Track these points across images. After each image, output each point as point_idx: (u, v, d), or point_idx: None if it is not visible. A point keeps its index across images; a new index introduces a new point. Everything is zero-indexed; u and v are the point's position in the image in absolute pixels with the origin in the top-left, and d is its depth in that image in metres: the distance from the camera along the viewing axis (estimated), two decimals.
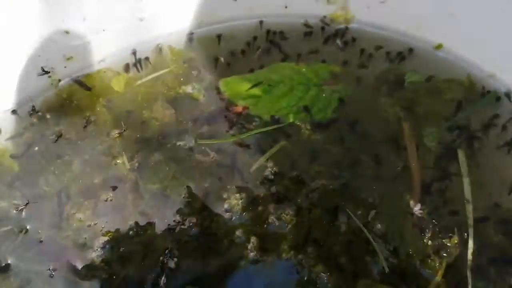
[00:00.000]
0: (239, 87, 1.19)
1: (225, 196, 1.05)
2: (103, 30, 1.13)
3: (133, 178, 1.07)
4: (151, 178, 1.07)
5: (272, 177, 1.08)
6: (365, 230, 0.99)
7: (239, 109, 1.16)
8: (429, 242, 0.98)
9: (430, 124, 1.15)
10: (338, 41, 1.28)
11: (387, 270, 0.95)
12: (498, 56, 1.15)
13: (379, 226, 1.01)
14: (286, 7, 1.30)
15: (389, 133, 1.14)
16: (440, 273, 0.95)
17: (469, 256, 0.96)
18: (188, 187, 1.06)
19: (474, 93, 1.19)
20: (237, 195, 1.05)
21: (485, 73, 1.20)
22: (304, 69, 1.23)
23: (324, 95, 1.19)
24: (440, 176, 1.08)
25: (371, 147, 1.12)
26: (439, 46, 1.24)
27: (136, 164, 1.09)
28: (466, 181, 1.05)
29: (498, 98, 1.17)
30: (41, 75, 1.10)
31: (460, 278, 0.94)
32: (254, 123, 1.15)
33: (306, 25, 1.30)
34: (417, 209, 1.03)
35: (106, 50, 1.18)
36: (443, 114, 1.16)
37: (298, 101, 1.18)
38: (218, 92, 1.19)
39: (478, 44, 1.17)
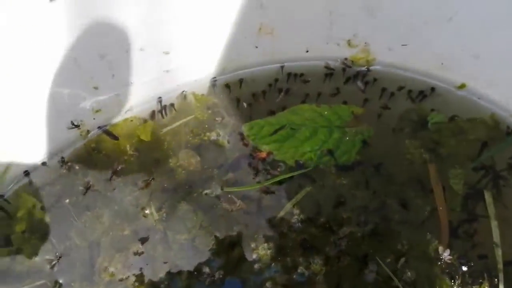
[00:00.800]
0: (262, 131, 1.19)
1: (253, 245, 1.05)
2: (131, 83, 1.15)
3: (161, 229, 1.07)
4: (179, 228, 1.08)
5: (299, 224, 1.08)
6: (395, 279, 0.98)
7: (263, 154, 1.16)
8: None
9: (456, 166, 1.14)
10: (359, 83, 1.28)
11: None
12: None
13: (408, 274, 1.01)
14: (307, 51, 1.29)
15: (414, 175, 1.13)
16: None
17: None
18: (216, 237, 1.06)
19: (499, 132, 1.18)
20: (265, 244, 1.05)
21: (509, 112, 1.19)
22: (326, 112, 1.22)
23: (347, 137, 1.18)
24: (467, 219, 1.07)
25: (397, 190, 1.11)
26: (462, 86, 1.23)
27: (164, 215, 1.10)
28: (494, 224, 1.04)
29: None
30: (70, 128, 1.13)
31: None
32: (279, 169, 1.15)
33: (327, 67, 1.29)
34: (446, 254, 1.02)
35: (132, 101, 1.20)
36: (468, 155, 1.15)
37: (322, 145, 1.17)
38: (242, 138, 1.20)
39: (502, 83, 1.16)
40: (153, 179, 1.13)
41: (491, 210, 1.06)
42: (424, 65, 1.25)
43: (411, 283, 0.99)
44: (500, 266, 0.99)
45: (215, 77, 1.29)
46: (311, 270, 1.02)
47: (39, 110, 1.05)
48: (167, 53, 1.15)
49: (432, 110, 1.21)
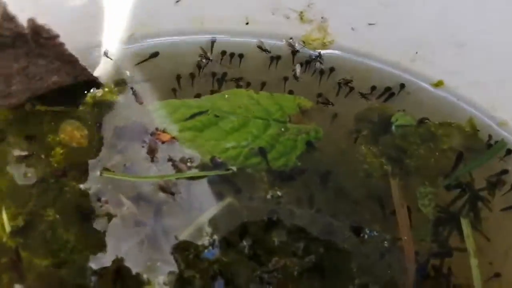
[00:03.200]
0: (176, 114, 0.95)
1: (144, 277, 0.75)
2: None
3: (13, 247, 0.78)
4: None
5: (213, 249, 0.82)
6: None
7: (165, 137, 0.92)
8: None
9: (425, 182, 0.95)
10: (313, 70, 1.08)
11: None
12: None
13: None
14: (247, 23, 1.07)
15: (372, 192, 0.93)
16: None
17: None
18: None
19: (478, 142, 1.02)
20: (161, 277, 0.77)
21: (494, 119, 1.04)
22: (264, 100, 1.00)
23: (287, 136, 0.96)
24: (439, 252, 0.89)
25: (349, 210, 0.91)
26: (439, 83, 1.07)
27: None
28: (474, 263, 0.86)
29: (509, 151, 1.00)
30: None
31: None
32: (189, 163, 0.91)
33: (261, 48, 1.08)
34: None
35: None
36: (440, 169, 0.98)
37: (253, 141, 0.94)
38: None
39: (490, 81, 1.02)
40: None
41: (470, 244, 0.88)
42: (394, 54, 1.08)
43: None
44: None
45: (125, 46, 1.05)
46: None
47: None
48: None
49: (399, 110, 1.04)
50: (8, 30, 0.75)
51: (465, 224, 0.90)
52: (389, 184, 0.93)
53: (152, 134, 0.93)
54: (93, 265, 0.79)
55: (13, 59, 0.80)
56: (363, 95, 1.04)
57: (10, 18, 0.74)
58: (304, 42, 1.08)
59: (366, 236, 0.87)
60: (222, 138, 0.93)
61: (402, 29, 1.03)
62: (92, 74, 0.93)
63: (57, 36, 0.79)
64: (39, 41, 0.79)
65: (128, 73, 1.01)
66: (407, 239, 0.86)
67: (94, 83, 0.95)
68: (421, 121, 1.02)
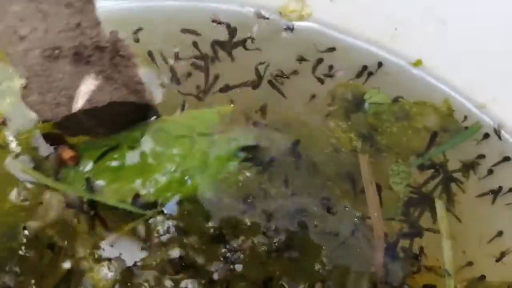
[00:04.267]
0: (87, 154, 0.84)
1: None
2: None
3: None
4: None
5: (174, 230, 0.79)
6: None
7: (68, 154, 0.82)
8: None
9: (398, 161, 0.95)
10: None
11: None
12: (494, 82, 0.99)
13: None
14: None
15: (342, 168, 0.92)
16: None
17: None
18: None
19: (453, 122, 1.01)
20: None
21: (473, 101, 1.03)
22: (184, 119, 0.92)
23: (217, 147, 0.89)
24: (409, 232, 0.88)
25: (320, 186, 0.89)
26: (417, 63, 1.06)
27: None
28: (446, 244, 0.86)
29: (486, 135, 1.00)
30: None
31: None
32: None
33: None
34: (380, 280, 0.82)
35: None
36: (413, 148, 0.96)
37: (182, 162, 0.86)
38: None
39: (470, 60, 1.01)
40: None
41: (443, 225, 0.87)
42: (373, 30, 1.06)
43: None
44: None
45: None
46: None
47: None
48: None
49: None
50: (89, 39, 0.71)
51: (439, 205, 0.89)
52: (359, 161, 0.92)
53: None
54: None
55: (81, 78, 0.74)
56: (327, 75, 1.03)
57: (96, 24, 0.70)
58: (280, 13, 1.06)
59: (336, 212, 0.86)
60: (146, 171, 0.84)
61: (382, 4, 1.01)
62: (155, 104, 0.87)
63: (133, 56, 0.76)
64: (114, 58, 0.75)
65: None
66: (377, 216, 0.85)
67: (154, 112, 0.88)
68: (396, 100, 1.01)
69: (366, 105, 1.00)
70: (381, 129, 0.97)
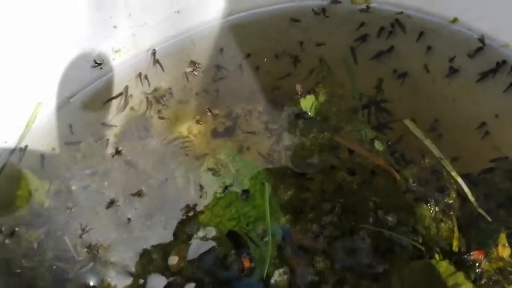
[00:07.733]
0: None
1: None
2: (145, 23, 1.23)
3: None
4: None
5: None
6: (386, 231, 1.02)
7: (247, 262, 0.97)
8: (436, 209, 1.01)
9: None
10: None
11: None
12: None
13: (390, 218, 1.04)
14: None
15: None
16: (456, 230, 0.99)
17: (474, 202, 1.01)
18: None
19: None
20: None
21: (498, 42, 1.22)
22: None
23: None
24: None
25: None
26: (454, 20, 1.24)
27: None
28: (428, 143, 1.09)
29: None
30: (94, 67, 1.22)
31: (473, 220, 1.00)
32: None
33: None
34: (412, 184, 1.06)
35: (149, 42, 1.27)
36: None
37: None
38: None
39: (492, 14, 1.18)
40: None
41: (419, 134, 1.11)
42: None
43: (396, 225, 1.01)
44: (454, 173, 1.03)
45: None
46: None
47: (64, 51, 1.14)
48: None
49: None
50: None
51: (409, 124, 1.11)
52: None
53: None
54: None
55: None
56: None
57: None
58: (352, 0, 1.28)
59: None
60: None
61: None
62: None
63: None
64: None
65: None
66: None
67: None
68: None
69: None
70: None
